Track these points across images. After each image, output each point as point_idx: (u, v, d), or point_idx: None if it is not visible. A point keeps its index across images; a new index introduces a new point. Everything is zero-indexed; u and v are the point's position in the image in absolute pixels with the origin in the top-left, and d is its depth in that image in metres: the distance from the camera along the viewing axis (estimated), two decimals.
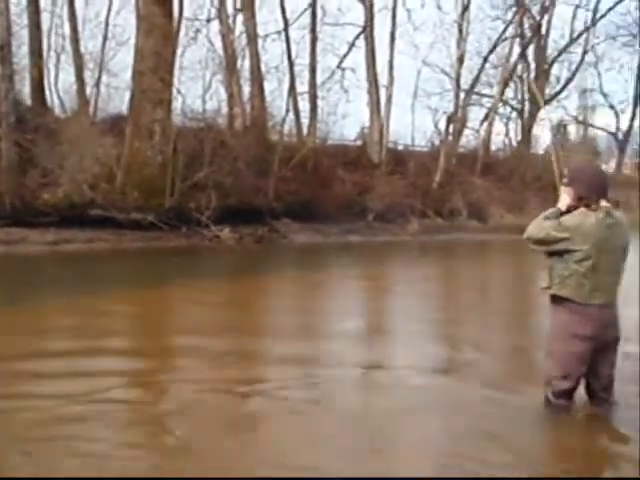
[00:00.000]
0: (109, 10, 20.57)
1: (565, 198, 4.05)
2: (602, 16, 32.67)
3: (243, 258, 15.13)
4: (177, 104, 19.87)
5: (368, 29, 24.85)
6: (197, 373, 5.00)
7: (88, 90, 20.00)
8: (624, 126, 38.86)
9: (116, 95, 20.82)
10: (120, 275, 11.14)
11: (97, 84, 20.20)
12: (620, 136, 39.00)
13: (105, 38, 20.60)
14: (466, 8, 26.58)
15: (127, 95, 18.81)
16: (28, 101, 18.73)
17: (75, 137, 16.30)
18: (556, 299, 4.03)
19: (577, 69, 33.32)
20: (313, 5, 24.41)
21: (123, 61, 20.42)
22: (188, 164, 17.38)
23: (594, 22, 32.62)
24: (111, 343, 6.07)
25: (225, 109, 21.59)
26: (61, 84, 21.83)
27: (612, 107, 39.02)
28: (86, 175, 16.08)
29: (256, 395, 4.51)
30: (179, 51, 19.86)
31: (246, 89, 22.95)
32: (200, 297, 8.67)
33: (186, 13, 20.29)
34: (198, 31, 22.88)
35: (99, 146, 16.29)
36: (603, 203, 3.93)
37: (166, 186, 16.90)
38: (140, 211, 16.18)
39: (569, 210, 4.01)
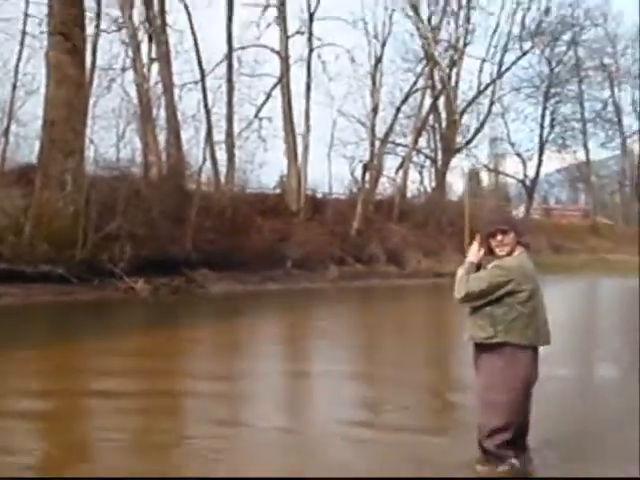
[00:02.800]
0: (19, 58, 20.09)
1: (475, 249, 4.03)
2: (507, 69, 34.62)
3: (153, 311, 14.69)
4: (90, 153, 19.52)
5: (284, 80, 25.29)
6: None
7: None
8: (531, 173, 40.86)
9: (25, 145, 20.22)
10: (26, 332, 10.62)
11: (6, 133, 19.55)
12: (528, 183, 40.89)
13: (14, 87, 20.05)
14: (379, 60, 27.54)
15: (37, 145, 18.35)
16: None
17: None
18: (491, 347, 3.86)
19: (485, 119, 34.97)
20: (229, 56, 24.72)
21: (32, 111, 19.91)
22: (101, 214, 16.96)
23: (499, 75, 34.47)
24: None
25: (140, 158, 21.36)
26: None
27: (519, 155, 41.02)
28: None
29: None
30: (92, 100, 19.62)
31: (162, 138, 22.84)
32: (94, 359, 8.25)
33: (100, 62, 20.16)
34: (112, 80, 22.74)
35: (5, 197, 15.70)
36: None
37: (78, 237, 16.41)
38: (50, 263, 15.57)
39: (480, 264, 4.00)
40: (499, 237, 3.93)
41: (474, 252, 4.05)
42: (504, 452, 3.87)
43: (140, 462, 4.33)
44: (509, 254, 3.93)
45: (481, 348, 3.93)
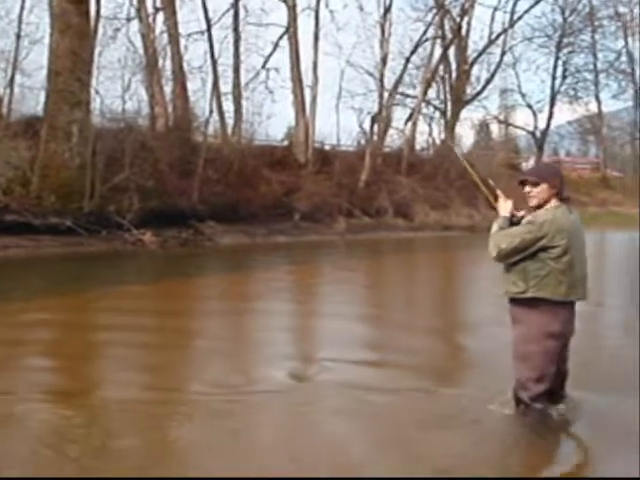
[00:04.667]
0: (22, 7, 19.73)
1: (503, 203, 4.05)
2: (519, 18, 33.82)
3: (161, 263, 14.76)
4: (95, 105, 19.32)
5: (292, 29, 24.83)
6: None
7: (0, 90, 19.14)
8: (542, 125, 40.27)
9: (30, 96, 20.00)
10: (34, 283, 10.69)
11: (10, 84, 19.35)
12: (538, 135, 40.35)
13: (18, 36, 19.75)
14: (388, 9, 26.92)
15: (42, 96, 18.18)
16: None
17: None
18: (526, 302, 3.88)
19: (496, 70, 34.31)
20: (235, 5, 24.23)
21: (37, 60, 19.63)
22: (108, 166, 16.91)
23: (512, 24, 33.69)
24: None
25: (146, 110, 21.15)
26: None
27: (530, 107, 40.34)
28: None
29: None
30: (97, 50, 19.33)
31: (168, 89, 22.59)
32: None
33: (104, 12, 19.81)
34: (117, 30, 22.37)
35: (12, 149, 15.63)
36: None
37: (85, 189, 16.40)
38: (58, 215, 15.62)
39: (513, 216, 4.01)
40: (527, 188, 3.94)
41: (504, 206, 4.07)
42: (537, 404, 3.92)
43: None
44: (540, 206, 3.92)
45: (517, 303, 3.95)
